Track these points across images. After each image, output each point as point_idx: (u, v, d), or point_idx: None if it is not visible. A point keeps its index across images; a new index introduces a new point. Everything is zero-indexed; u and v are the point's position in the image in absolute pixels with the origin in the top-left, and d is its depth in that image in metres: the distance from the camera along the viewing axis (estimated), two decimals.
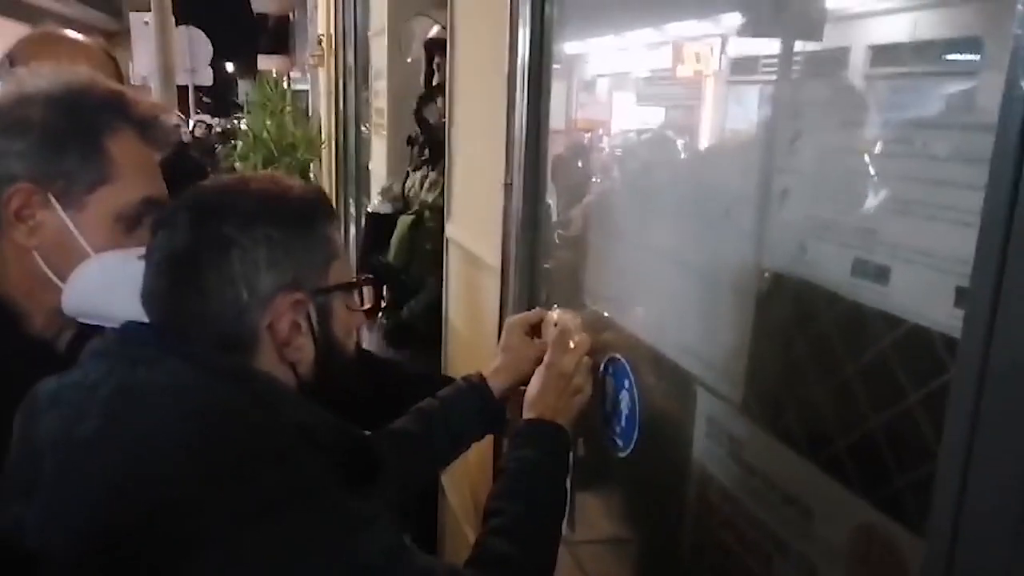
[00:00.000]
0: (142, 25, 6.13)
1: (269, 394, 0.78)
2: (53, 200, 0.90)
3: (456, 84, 2.01)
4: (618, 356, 1.12)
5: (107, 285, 0.93)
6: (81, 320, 0.96)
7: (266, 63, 14.12)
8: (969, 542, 0.54)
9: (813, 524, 0.75)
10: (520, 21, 1.40)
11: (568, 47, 1.35)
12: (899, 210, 0.64)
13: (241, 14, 13.48)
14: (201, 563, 0.68)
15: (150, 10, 7.64)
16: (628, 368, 1.10)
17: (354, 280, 0.89)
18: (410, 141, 2.58)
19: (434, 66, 2.50)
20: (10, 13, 8.17)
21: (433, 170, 2.44)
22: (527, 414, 1.05)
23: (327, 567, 0.70)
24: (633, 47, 1.17)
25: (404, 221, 2.37)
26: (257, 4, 13.27)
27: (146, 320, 0.88)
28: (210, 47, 7.98)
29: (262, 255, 0.78)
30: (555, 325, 1.15)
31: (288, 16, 13.70)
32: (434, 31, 2.48)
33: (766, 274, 0.80)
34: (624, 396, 1.11)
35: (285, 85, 12.89)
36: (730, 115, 0.93)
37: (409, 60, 2.72)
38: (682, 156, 1.00)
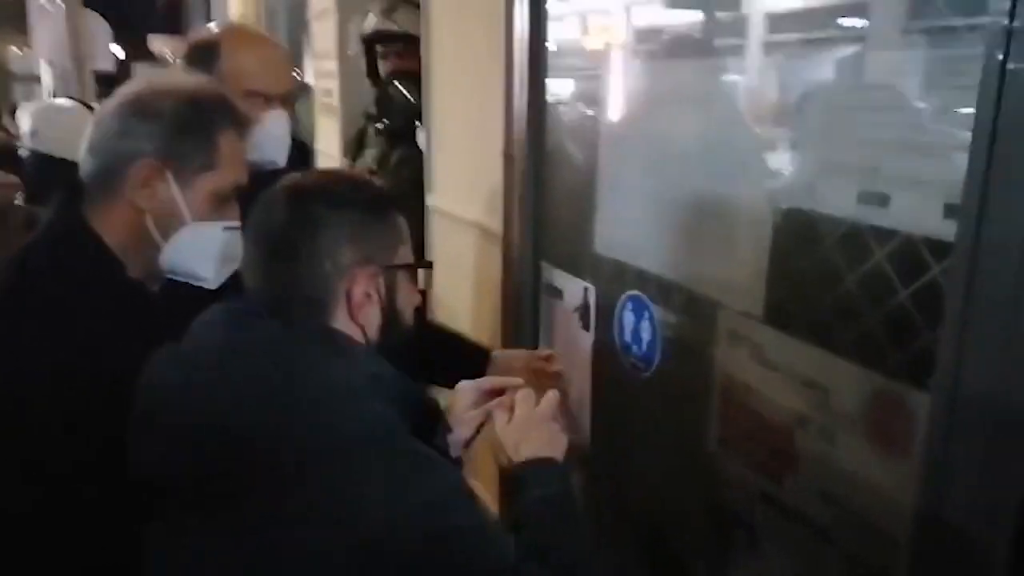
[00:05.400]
0: (40, 8, 5.86)
1: (346, 348, 0.93)
2: (170, 176, 1.08)
3: (433, 64, 2.15)
4: (636, 292, 1.33)
5: (197, 249, 1.13)
6: (169, 275, 1.15)
7: (159, 44, 13.55)
8: (967, 388, 0.77)
9: (830, 399, 0.97)
10: None
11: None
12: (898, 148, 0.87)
13: None
14: (291, 491, 0.80)
15: None
16: (648, 301, 1.30)
17: (416, 262, 1.05)
18: (367, 117, 2.68)
19: (378, 55, 2.61)
20: None
21: (395, 149, 2.55)
22: (518, 459, 1.04)
23: (396, 501, 0.79)
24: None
25: None
26: None
27: (223, 279, 1.10)
28: (109, 30, 7.65)
29: (345, 233, 0.93)
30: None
31: None
32: (370, 23, 2.58)
33: (781, 207, 1.02)
34: (645, 325, 1.31)
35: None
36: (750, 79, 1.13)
37: (351, 54, 2.81)
38: (699, 114, 1.20)
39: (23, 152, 2.36)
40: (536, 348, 1.72)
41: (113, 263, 1.10)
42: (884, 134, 0.88)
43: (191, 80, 1.17)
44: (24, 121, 2.39)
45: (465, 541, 0.82)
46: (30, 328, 1.01)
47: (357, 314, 0.95)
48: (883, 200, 0.88)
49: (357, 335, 0.96)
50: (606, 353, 1.44)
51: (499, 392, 1.16)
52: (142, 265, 1.12)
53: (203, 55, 1.54)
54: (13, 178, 2.21)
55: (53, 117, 2.37)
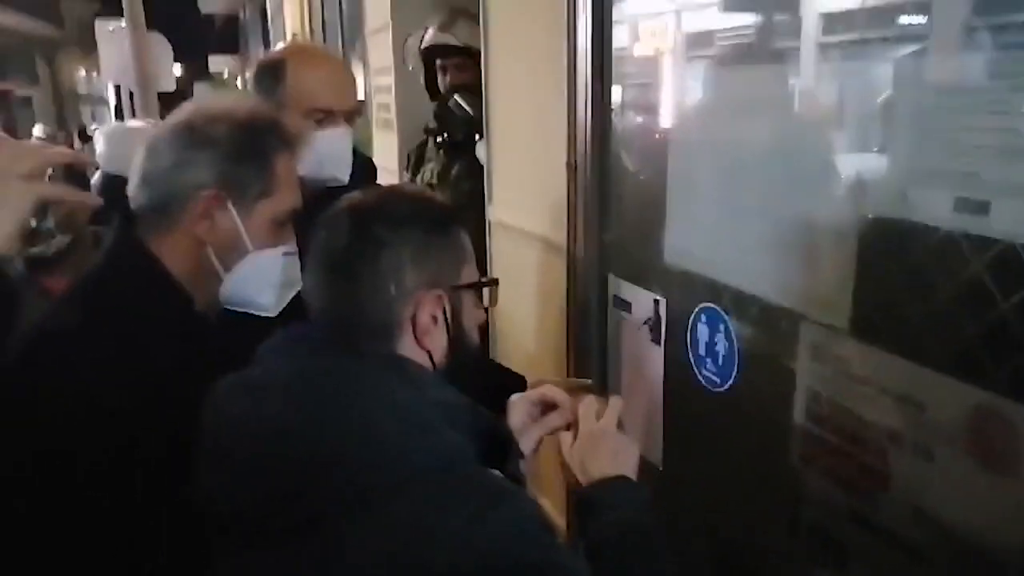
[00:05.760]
0: (108, 33, 6.10)
1: (415, 376, 0.89)
2: (231, 205, 1.07)
3: (493, 75, 2.15)
4: (710, 304, 1.30)
5: (259, 278, 1.12)
6: (227, 307, 1.13)
7: (217, 64, 13.96)
8: None
9: (926, 414, 0.93)
10: (579, 6, 1.55)
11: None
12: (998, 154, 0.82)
13: (187, 14, 13.32)
14: (360, 525, 0.77)
15: (99, 15, 7.57)
16: (722, 313, 1.27)
17: (482, 280, 1.01)
18: (427, 131, 2.71)
19: (437, 69, 2.63)
20: None
21: (455, 162, 2.56)
22: (586, 479, 1.02)
23: (468, 536, 0.75)
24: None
25: None
26: (204, 5, 13.12)
27: (282, 306, 1.09)
28: (171, 51, 7.90)
29: (408, 254, 0.90)
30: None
31: (238, 15, 13.57)
32: (428, 37, 2.60)
33: (869, 215, 0.98)
34: (720, 338, 1.28)
35: (240, 85, 12.82)
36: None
37: (411, 68, 2.84)
38: (779, 123, 1.17)
39: (91, 173, 2.42)
40: (604, 362, 1.70)
41: (182, 296, 1.09)
42: (984, 138, 0.84)
43: (241, 103, 1.15)
44: (99, 143, 2.47)
45: None
46: (103, 366, 0.98)
47: (423, 339, 0.92)
48: (983, 207, 0.84)
49: (424, 360, 0.93)
50: (678, 367, 1.42)
51: (551, 405, 1.14)
52: (203, 297, 1.10)
53: (269, 74, 1.57)
54: (89, 196, 2.27)
55: (125, 137, 2.44)
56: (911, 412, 0.95)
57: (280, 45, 1.70)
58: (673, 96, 1.41)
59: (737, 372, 1.26)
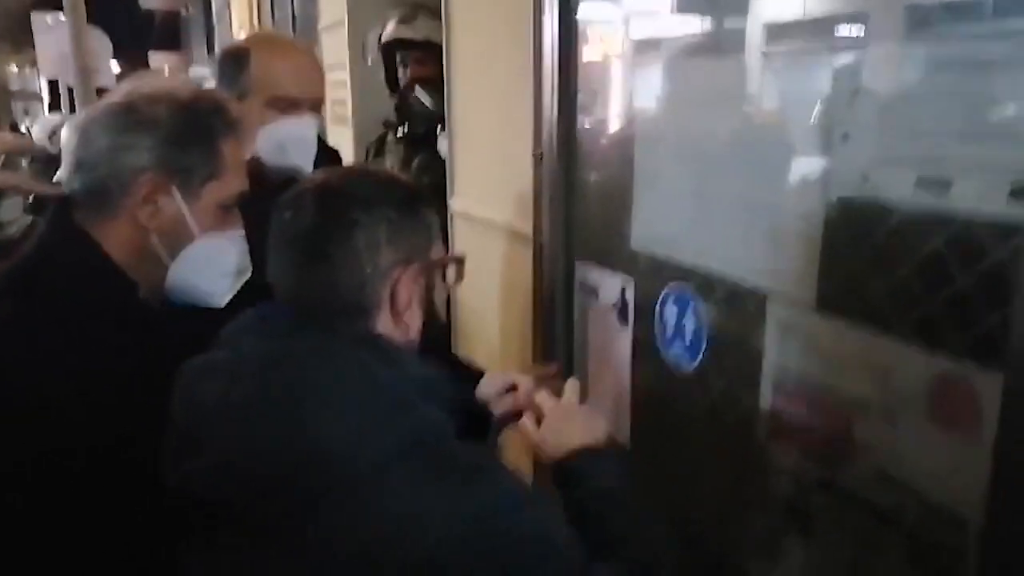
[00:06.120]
0: (45, 25, 5.90)
1: (393, 354, 0.89)
2: (175, 189, 1.03)
3: (456, 66, 2.16)
4: (679, 286, 1.33)
5: (208, 265, 1.09)
6: (172, 296, 1.09)
7: (158, 61, 13.61)
8: None
9: (892, 381, 0.98)
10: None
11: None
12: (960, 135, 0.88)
13: (125, 10, 12.96)
14: (342, 504, 0.77)
15: (34, 8, 7.35)
16: (690, 294, 1.31)
17: (450, 257, 1.03)
18: (387, 125, 2.70)
19: (397, 63, 2.63)
20: None
21: (415, 155, 2.57)
22: (559, 453, 1.03)
23: (453, 508, 0.76)
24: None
25: None
26: (145, 0, 12.78)
27: (232, 294, 1.08)
28: (109, 45, 7.69)
29: (382, 233, 0.89)
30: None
31: (179, 12, 13.25)
32: (388, 31, 2.60)
33: (834, 199, 1.02)
34: (688, 318, 1.32)
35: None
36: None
37: (370, 63, 2.83)
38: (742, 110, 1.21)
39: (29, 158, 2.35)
40: (571, 348, 1.72)
41: (125, 283, 1.05)
42: (946, 123, 0.89)
43: (181, 84, 1.10)
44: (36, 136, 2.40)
45: (527, 550, 0.79)
46: (41, 356, 0.95)
47: (402, 316, 0.92)
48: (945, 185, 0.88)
49: (400, 337, 0.93)
50: (646, 349, 1.45)
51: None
52: (146, 284, 1.07)
53: (233, 63, 1.55)
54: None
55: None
56: (877, 381, 1.00)
57: (241, 35, 1.68)
58: (639, 84, 1.44)
59: (705, 351, 1.30)
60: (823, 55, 1.04)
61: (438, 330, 1.02)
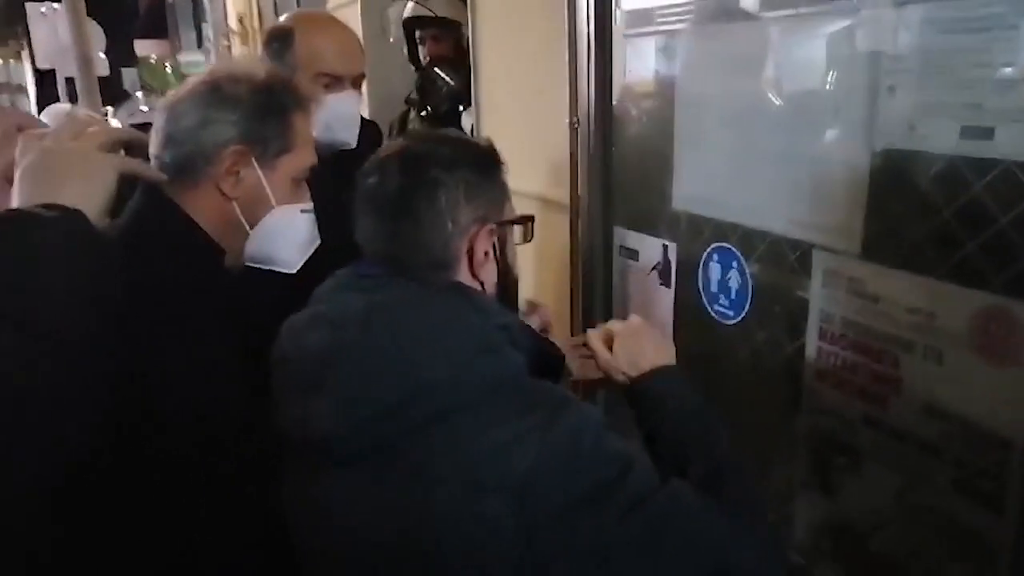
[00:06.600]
0: (39, 15, 5.88)
1: (479, 301, 0.98)
2: (254, 161, 1.12)
3: (480, 43, 2.22)
4: (723, 243, 1.41)
5: (283, 234, 1.18)
6: (248, 263, 1.18)
7: (144, 49, 13.50)
8: None
9: (936, 321, 1.06)
10: None
11: None
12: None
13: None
14: (442, 439, 0.86)
15: None
16: (735, 250, 1.39)
17: (522, 216, 1.10)
18: (408, 102, 2.76)
19: (417, 40, 2.68)
20: None
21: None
22: (634, 372, 1.11)
23: (543, 435, 0.84)
24: None
25: None
26: None
27: (302, 262, 1.17)
28: (103, 35, 7.65)
29: (463, 192, 0.97)
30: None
31: None
32: (408, 9, 2.65)
33: (879, 148, 1.10)
34: (733, 274, 1.40)
35: (170, 71, 12.46)
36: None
37: (392, 40, 2.88)
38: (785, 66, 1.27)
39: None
40: (609, 312, 1.80)
41: (215, 250, 1.14)
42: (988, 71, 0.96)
43: (258, 66, 1.22)
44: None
45: (613, 464, 0.87)
46: (154, 326, 1.00)
47: (479, 271, 1.00)
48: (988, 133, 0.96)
49: (478, 291, 1.01)
50: (689, 306, 1.53)
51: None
52: (229, 252, 1.16)
53: (279, 42, 1.61)
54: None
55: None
56: (921, 320, 1.08)
57: (284, 16, 1.74)
58: (679, 45, 1.48)
59: (750, 304, 1.38)
60: (869, 10, 1.10)
61: (515, 287, 1.11)
